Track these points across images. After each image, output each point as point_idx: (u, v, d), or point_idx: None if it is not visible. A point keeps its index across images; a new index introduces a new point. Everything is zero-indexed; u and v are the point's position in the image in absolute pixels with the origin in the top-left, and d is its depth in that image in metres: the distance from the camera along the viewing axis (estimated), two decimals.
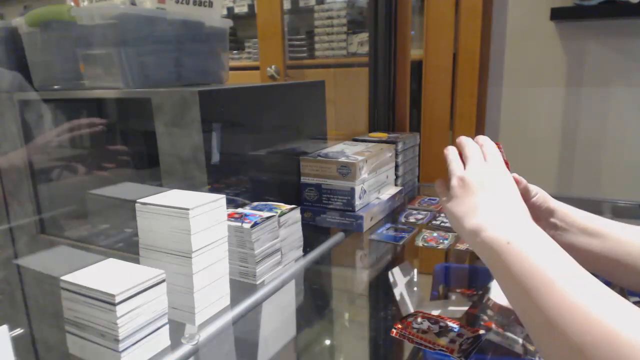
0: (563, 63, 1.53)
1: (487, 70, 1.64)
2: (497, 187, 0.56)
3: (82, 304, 0.53)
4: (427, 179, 1.60)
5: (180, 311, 0.63)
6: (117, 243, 0.94)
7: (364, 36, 2.29)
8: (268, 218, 0.75)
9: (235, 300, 0.68)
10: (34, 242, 1.02)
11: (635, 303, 0.64)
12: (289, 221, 0.80)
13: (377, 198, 1.08)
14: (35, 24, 0.93)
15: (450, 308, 0.79)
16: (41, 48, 0.95)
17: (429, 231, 0.98)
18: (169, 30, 0.89)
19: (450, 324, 0.62)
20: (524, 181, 0.63)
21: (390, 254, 0.93)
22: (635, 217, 1.10)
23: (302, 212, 0.85)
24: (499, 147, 0.64)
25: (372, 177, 1.04)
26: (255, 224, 0.72)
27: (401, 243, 0.94)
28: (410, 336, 0.59)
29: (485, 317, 0.71)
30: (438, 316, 0.62)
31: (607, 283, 0.69)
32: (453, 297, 0.85)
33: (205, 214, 0.61)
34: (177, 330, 0.60)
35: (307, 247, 0.87)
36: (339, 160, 0.98)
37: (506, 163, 0.63)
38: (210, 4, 0.96)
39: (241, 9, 2.76)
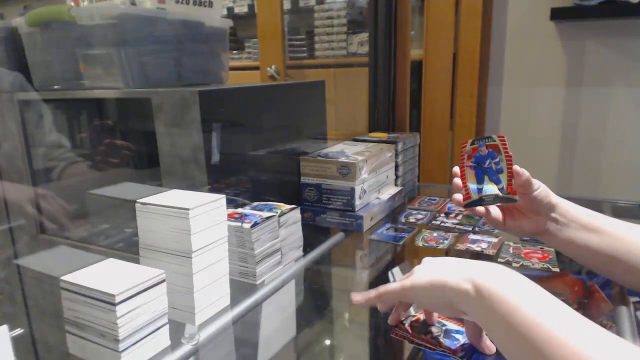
0: (563, 63, 1.53)
1: (487, 70, 1.64)
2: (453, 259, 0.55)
3: (82, 304, 0.53)
4: (427, 179, 1.60)
5: (180, 311, 0.63)
6: (117, 243, 0.94)
7: (364, 36, 2.29)
8: (268, 218, 0.75)
9: (235, 300, 0.68)
10: (34, 242, 1.02)
11: (635, 303, 0.64)
12: (289, 221, 0.80)
13: (377, 198, 1.08)
14: (35, 24, 0.93)
15: None
16: (41, 48, 0.95)
17: (429, 231, 0.98)
18: (169, 30, 0.89)
19: (450, 324, 0.62)
20: (526, 173, 0.63)
21: (390, 254, 0.93)
22: (635, 217, 1.10)
23: (302, 212, 0.85)
24: (502, 140, 0.64)
25: (372, 177, 1.04)
26: (255, 224, 0.72)
27: (401, 243, 0.94)
28: (411, 337, 0.59)
29: None
30: (439, 316, 0.62)
31: (607, 281, 0.69)
32: None
33: (205, 214, 0.61)
34: (177, 330, 0.60)
35: (307, 247, 0.87)
36: (339, 160, 0.98)
37: (509, 157, 0.63)
38: (210, 4, 0.96)
39: (241, 9, 2.76)
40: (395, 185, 1.20)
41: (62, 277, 0.54)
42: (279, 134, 1.00)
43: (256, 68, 2.30)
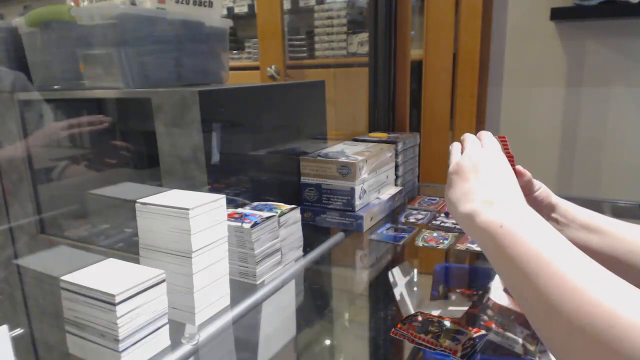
0: (563, 63, 1.53)
1: (487, 70, 1.64)
2: (490, 171, 0.56)
3: (82, 304, 0.53)
4: (427, 179, 1.60)
5: (180, 311, 0.63)
6: (117, 243, 0.94)
7: (364, 36, 2.29)
8: (268, 218, 0.75)
9: (235, 300, 0.68)
10: (34, 242, 1.02)
11: None
12: (289, 221, 0.80)
13: (377, 198, 1.08)
14: (35, 24, 0.93)
15: (450, 308, 0.79)
16: (41, 48, 0.95)
17: (429, 231, 0.98)
18: (169, 30, 0.89)
19: (450, 324, 0.62)
20: (528, 174, 0.63)
21: (390, 254, 0.93)
22: (635, 217, 1.10)
23: (302, 212, 0.85)
24: (504, 141, 0.64)
25: (372, 177, 1.04)
26: (255, 224, 0.72)
27: (401, 243, 0.94)
28: (411, 336, 0.59)
29: (485, 317, 0.71)
30: (439, 316, 0.62)
31: None
32: (453, 297, 0.85)
33: (205, 214, 0.61)
34: (177, 330, 0.60)
35: (307, 247, 0.87)
36: (339, 160, 0.98)
37: (511, 157, 0.63)
38: (210, 4, 0.96)
39: (241, 9, 2.76)
40: (395, 185, 1.20)
41: (62, 277, 0.54)
42: (279, 134, 1.00)
43: (256, 68, 2.30)
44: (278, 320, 0.71)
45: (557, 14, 1.45)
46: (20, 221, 1.03)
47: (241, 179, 0.88)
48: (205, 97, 0.75)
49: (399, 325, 0.61)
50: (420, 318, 0.62)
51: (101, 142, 1.00)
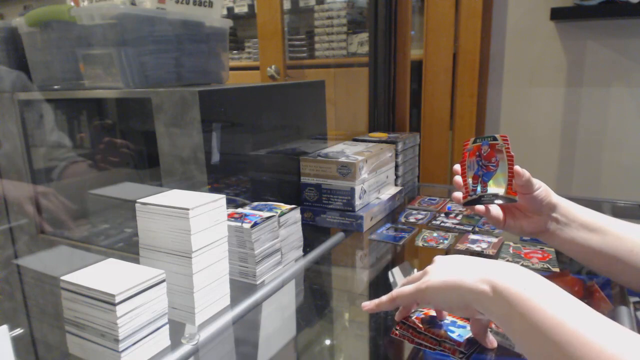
0: (563, 63, 1.53)
1: (487, 70, 1.64)
2: (470, 258, 0.55)
3: (82, 304, 0.53)
4: (427, 179, 1.60)
5: (180, 311, 0.63)
6: (117, 243, 0.94)
7: (364, 36, 2.29)
8: (268, 218, 0.75)
9: (235, 300, 0.68)
10: (34, 242, 1.02)
11: (635, 303, 0.64)
12: (289, 221, 0.80)
13: (377, 198, 1.08)
14: (35, 24, 0.93)
15: None
16: (41, 48, 0.95)
17: (429, 231, 0.98)
18: (169, 30, 0.89)
19: (450, 324, 0.62)
20: (527, 174, 0.63)
21: (390, 254, 0.93)
22: (635, 217, 1.10)
23: (302, 212, 0.85)
24: (505, 139, 0.64)
25: (372, 177, 1.04)
26: (255, 224, 0.72)
27: (401, 243, 0.94)
28: (411, 336, 0.59)
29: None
30: (440, 314, 0.63)
31: (607, 281, 0.69)
32: None
33: (205, 214, 0.61)
34: (177, 331, 0.60)
35: (307, 247, 0.87)
36: (339, 160, 0.98)
37: (511, 157, 0.63)
38: (210, 4, 0.96)
39: (241, 9, 2.76)
40: (395, 185, 1.20)
41: (62, 277, 0.54)
42: (279, 134, 1.00)
43: (256, 68, 2.30)
44: (278, 320, 0.71)
45: (557, 14, 1.45)
46: (21, 221, 1.03)
47: (241, 179, 0.88)
48: (205, 97, 0.75)
49: (399, 325, 0.61)
50: (421, 317, 0.62)
51: (101, 142, 1.00)
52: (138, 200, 0.63)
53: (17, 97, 0.96)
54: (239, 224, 0.72)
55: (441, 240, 0.93)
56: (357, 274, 0.90)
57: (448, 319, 0.62)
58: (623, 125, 1.49)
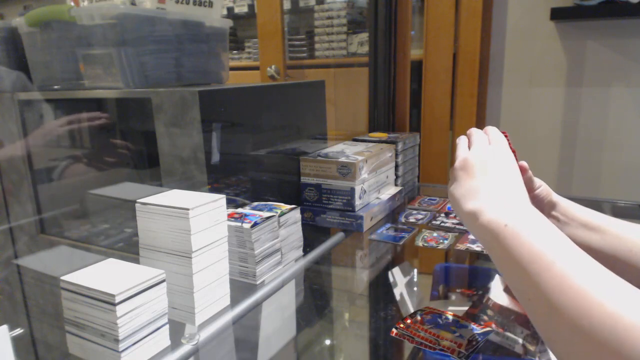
0: (563, 63, 1.53)
1: (487, 70, 1.64)
2: (497, 169, 0.55)
3: (82, 304, 0.53)
4: (427, 179, 1.60)
5: (180, 311, 0.63)
6: (117, 243, 0.94)
7: (364, 36, 2.29)
8: (268, 218, 0.75)
9: (235, 300, 0.68)
10: (34, 242, 1.02)
11: None
12: (289, 221, 0.80)
13: (377, 198, 1.08)
14: (35, 24, 0.93)
15: (450, 308, 0.79)
16: (41, 48, 0.95)
17: (429, 231, 0.98)
18: (169, 30, 0.89)
19: (450, 324, 0.62)
20: (529, 171, 0.63)
21: (390, 254, 0.93)
22: (635, 217, 1.10)
23: (302, 212, 0.85)
24: (505, 136, 0.64)
25: (372, 177, 1.04)
26: (255, 224, 0.72)
27: (401, 243, 0.94)
28: (411, 336, 0.59)
29: (485, 317, 0.71)
30: (442, 311, 0.62)
31: None
32: (453, 297, 0.85)
33: (205, 214, 0.61)
34: (177, 331, 0.60)
35: (307, 247, 0.87)
36: (339, 160, 0.98)
37: (513, 152, 0.63)
38: (210, 4, 0.96)
39: (241, 9, 2.76)
40: (395, 185, 1.20)
41: (62, 277, 0.54)
42: (279, 134, 1.00)
43: (256, 68, 2.30)
44: (278, 320, 0.71)
45: (557, 14, 1.45)
46: (21, 221, 1.03)
47: (241, 179, 0.88)
48: (205, 97, 0.75)
49: (399, 325, 0.61)
50: (424, 316, 0.62)
51: (101, 142, 1.00)
52: (138, 200, 0.63)
53: (17, 97, 0.96)
54: (239, 224, 0.72)
55: (441, 240, 0.93)
56: (357, 274, 0.90)
57: (448, 318, 0.62)
58: (623, 125, 1.49)
